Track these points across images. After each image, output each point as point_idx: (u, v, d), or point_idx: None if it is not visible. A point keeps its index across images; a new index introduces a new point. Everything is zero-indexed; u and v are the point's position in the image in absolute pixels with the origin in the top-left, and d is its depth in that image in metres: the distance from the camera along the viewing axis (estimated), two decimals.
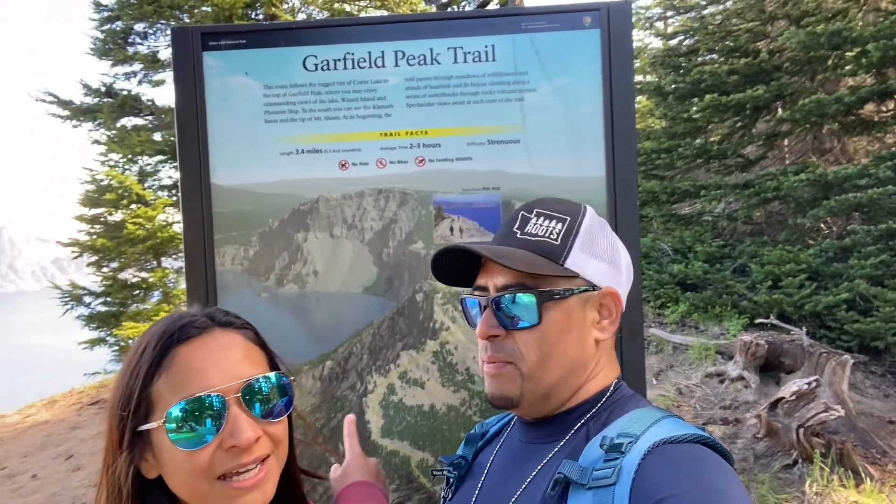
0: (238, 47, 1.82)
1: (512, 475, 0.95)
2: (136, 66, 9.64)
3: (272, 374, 0.89)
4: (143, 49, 9.61)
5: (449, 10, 11.78)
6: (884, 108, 7.63)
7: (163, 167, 9.58)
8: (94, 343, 8.80)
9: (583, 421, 0.92)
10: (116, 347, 8.47)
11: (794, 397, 3.90)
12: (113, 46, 9.05)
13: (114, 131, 9.09)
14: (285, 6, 9.84)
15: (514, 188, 1.75)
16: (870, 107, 7.48)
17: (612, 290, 0.94)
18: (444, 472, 1.11)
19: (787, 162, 8.46)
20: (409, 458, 1.78)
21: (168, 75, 9.83)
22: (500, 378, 0.94)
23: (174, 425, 0.80)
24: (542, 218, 0.95)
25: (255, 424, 0.84)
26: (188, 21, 8.88)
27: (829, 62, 7.05)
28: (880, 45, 5.94)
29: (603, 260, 0.94)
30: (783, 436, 3.90)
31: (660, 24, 13.59)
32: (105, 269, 8.84)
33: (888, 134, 7.72)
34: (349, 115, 1.78)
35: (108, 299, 8.73)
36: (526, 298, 0.91)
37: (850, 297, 5.61)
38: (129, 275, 8.84)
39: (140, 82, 9.90)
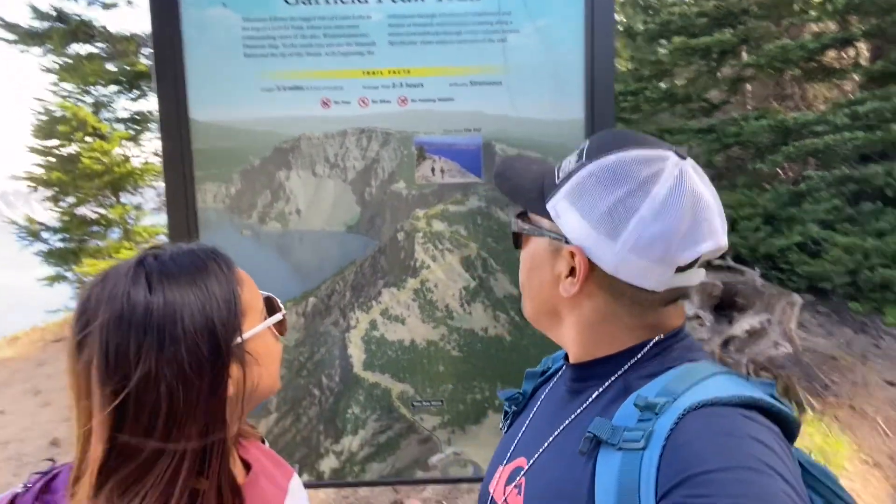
0: None
1: (551, 417, 0.92)
2: None
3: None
4: None
5: None
6: (844, 56, 7.76)
7: (118, 98, 9.19)
8: (53, 280, 8.62)
9: (623, 370, 0.84)
10: (77, 284, 8.32)
11: (745, 335, 4.12)
12: None
13: (65, 59, 8.65)
14: None
15: (495, 129, 1.78)
16: (831, 54, 7.59)
17: (578, 251, 0.81)
18: (504, 407, 1.11)
19: (749, 107, 8.59)
20: (390, 389, 1.85)
21: None
22: None
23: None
24: (577, 150, 0.86)
25: None
26: None
27: (795, 7, 7.10)
28: None
29: (587, 217, 0.80)
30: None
31: None
32: (62, 205, 8.58)
33: (846, 81, 7.89)
34: (331, 52, 1.77)
35: (67, 235, 8.52)
36: (513, 222, 0.93)
37: (803, 241, 5.84)
38: (88, 210, 8.60)
39: (90, 3, 9.36)
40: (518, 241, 0.93)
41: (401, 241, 1.82)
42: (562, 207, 0.83)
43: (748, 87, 8.68)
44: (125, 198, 9.03)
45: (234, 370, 0.83)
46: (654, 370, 0.81)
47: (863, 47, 7.62)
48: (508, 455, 0.97)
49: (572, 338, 0.89)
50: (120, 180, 8.35)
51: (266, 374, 0.91)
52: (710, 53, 7.63)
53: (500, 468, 0.98)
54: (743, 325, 4.20)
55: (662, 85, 8.42)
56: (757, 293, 4.52)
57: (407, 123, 1.79)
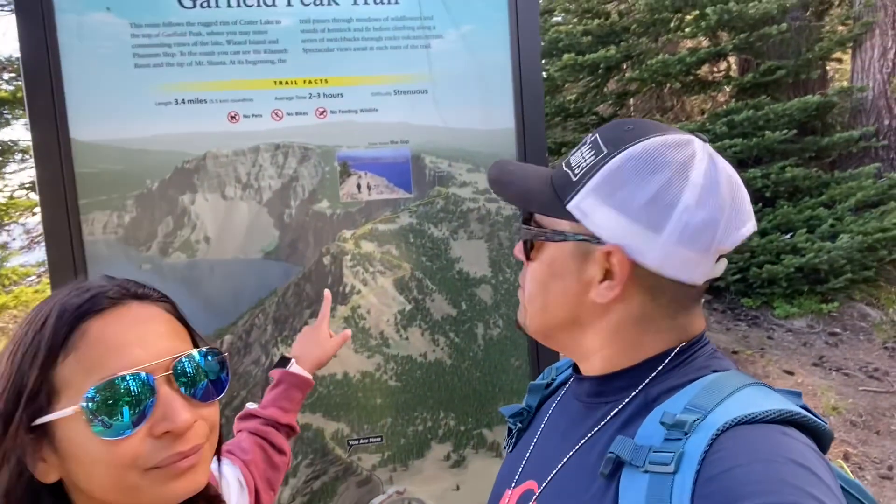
0: None
1: (563, 435, 0.84)
2: None
3: (204, 349, 0.76)
4: None
5: None
6: (716, 69, 8.34)
7: None
8: None
9: (642, 385, 0.77)
10: None
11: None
12: None
13: None
14: None
15: (424, 141, 1.67)
16: (705, 68, 8.14)
17: (617, 250, 0.73)
18: (508, 424, 1.02)
19: None
20: (323, 430, 1.68)
21: None
22: (522, 305, 0.88)
23: (93, 412, 0.66)
24: (589, 145, 0.78)
25: (189, 406, 0.71)
26: None
27: (672, 24, 7.55)
28: (717, 9, 6.43)
29: (622, 211, 0.72)
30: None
31: None
32: None
33: (720, 93, 8.47)
34: (237, 60, 1.60)
35: None
36: (523, 230, 0.83)
37: None
38: None
39: None
40: (528, 252, 0.83)
41: (327, 265, 1.66)
42: (588, 206, 0.74)
43: (632, 101, 9.14)
44: None
45: (49, 456, 0.68)
46: (677, 382, 0.74)
47: (732, 61, 8.22)
48: (516, 478, 0.88)
49: (595, 348, 0.80)
50: None
51: (89, 476, 0.69)
52: (596, 70, 7.95)
53: (508, 492, 0.88)
54: None
55: (554, 101, 8.69)
56: None
57: (327, 137, 1.64)
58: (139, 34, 1.55)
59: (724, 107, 7.52)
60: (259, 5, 1.59)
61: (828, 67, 8.15)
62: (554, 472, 0.80)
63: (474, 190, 1.70)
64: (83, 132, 1.55)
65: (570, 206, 0.75)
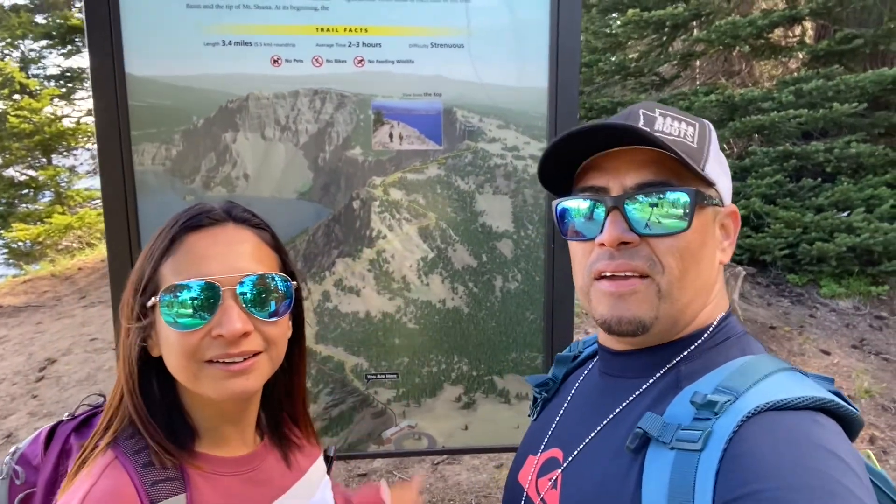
0: None
1: (591, 410, 0.85)
2: None
3: (274, 274, 0.87)
4: None
5: None
6: (791, 34, 7.93)
7: (49, 54, 8.64)
8: None
9: (675, 361, 0.79)
10: (6, 250, 7.87)
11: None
12: None
13: None
14: None
15: (457, 95, 1.71)
16: (778, 32, 7.74)
17: (736, 210, 0.83)
18: (533, 393, 1.05)
19: (698, 83, 8.72)
20: (344, 363, 1.79)
21: None
22: (635, 297, 0.77)
23: (168, 305, 0.81)
24: (668, 118, 0.80)
25: (247, 319, 0.83)
26: None
27: None
28: None
29: (727, 176, 0.83)
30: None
31: None
32: None
33: (792, 59, 8.07)
34: (282, 6, 1.65)
35: None
36: (677, 198, 0.75)
37: (746, 214, 6.00)
38: (16, 172, 8.11)
39: None
40: (691, 220, 0.76)
41: (356, 209, 1.74)
42: (713, 171, 0.80)
43: (698, 62, 8.79)
44: (57, 160, 8.56)
45: (154, 336, 0.86)
46: (708, 361, 0.76)
47: (808, 26, 7.80)
48: (542, 447, 0.91)
49: (693, 314, 0.80)
50: (51, 141, 7.89)
51: (167, 357, 0.85)
52: (662, 27, 7.67)
53: (533, 458, 0.92)
54: None
55: (615, 58, 8.45)
56: None
57: (364, 86, 1.69)
58: None
59: (795, 74, 7.19)
60: None
61: None
62: (582, 445, 0.82)
63: (503, 146, 1.74)
64: (137, 67, 1.64)
65: (707, 171, 0.78)
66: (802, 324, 4.89)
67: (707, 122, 0.84)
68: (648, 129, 0.76)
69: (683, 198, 0.75)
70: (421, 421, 1.83)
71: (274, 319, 0.87)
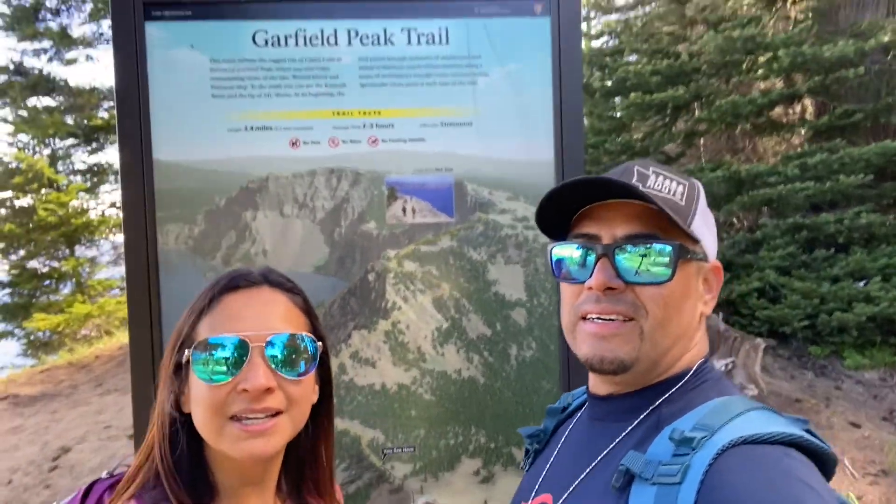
0: (183, 18, 1.76)
1: (580, 455, 0.89)
2: (46, 43, 9.07)
3: (303, 335, 0.91)
4: (53, 25, 9.04)
5: None
6: (791, 111, 8.15)
7: (76, 151, 9.06)
8: (0, 336, 8.25)
9: (656, 404, 0.84)
10: (25, 341, 7.96)
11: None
12: (22, 20, 8.46)
13: (23, 111, 8.52)
14: None
15: (467, 170, 1.78)
16: (779, 109, 7.97)
17: (719, 266, 0.89)
18: (525, 444, 1.08)
19: (704, 160, 8.90)
20: (360, 437, 1.78)
21: (81, 52, 9.30)
22: (617, 338, 0.82)
23: (200, 358, 0.86)
24: (660, 177, 0.86)
25: (272, 376, 0.86)
26: None
27: (744, 66, 7.46)
28: (790, 52, 6.34)
29: (712, 233, 0.89)
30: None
31: (584, 26, 14.00)
32: (12, 258, 8.28)
33: (794, 135, 8.26)
34: (301, 93, 1.76)
35: (16, 290, 8.20)
36: (662, 249, 0.81)
37: (761, 286, 5.98)
38: (39, 264, 8.32)
39: (50, 59, 9.32)
40: (674, 271, 0.82)
41: (371, 281, 1.79)
42: (699, 227, 0.86)
43: (702, 140, 9.01)
44: (80, 251, 8.79)
45: (186, 391, 0.90)
46: (687, 402, 0.81)
47: (808, 103, 8.02)
48: (533, 492, 0.94)
49: (674, 359, 0.86)
50: (75, 232, 8.14)
51: (195, 411, 0.88)
52: (664, 109, 7.93)
53: None
54: None
55: (621, 139, 8.68)
56: (720, 337, 4.57)
57: (378, 163, 1.78)
58: (217, 68, 1.74)
59: (798, 149, 7.34)
60: (323, 45, 1.76)
61: None
62: (571, 487, 0.86)
63: (513, 217, 1.80)
64: (164, 153, 1.74)
65: (693, 228, 0.85)
66: (828, 396, 4.76)
67: (697, 181, 0.90)
68: (640, 186, 0.83)
69: (668, 250, 0.81)
70: (439, 497, 1.80)
71: (298, 378, 0.90)
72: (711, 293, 0.89)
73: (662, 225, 0.82)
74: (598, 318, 0.84)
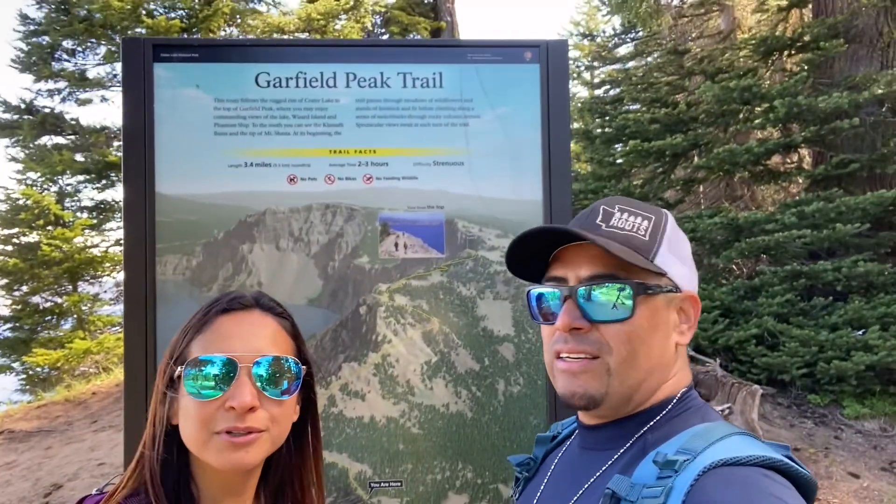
0: (190, 60, 1.85)
1: (569, 482, 0.92)
2: (61, 84, 9.32)
3: (288, 357, 0.96)
4: (69, 66, 9.31)
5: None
6: (788, 160, 8.28)
7: (84, 188, 9.21)
8: None
9: (642, 431, 0.87)
10: (24, 376, 7.94)
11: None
12: (38, 61, 8.72)
13: (33, 149, 8.70)
14: (222, 33, 9.79)
15: (458, 208, 1.84)
16: (776, 158, 8.09)
17: (694, 295, 0.91)
18: (515, 473, 1.10)
19: (703, 206, 9.00)
20: (347, 470, 1.79)
21: (95, 94, 9.55)
22: (585, 375, 0.86)
23: (191, 374, 0.91)
24: (626, 214, 0.90)
25: (257, 395, 0.91)
26: (118, 41, 8.69)
27: (741, 115, 7.61)
28: (785, 102, 6.48)
29: (684, 263, 0.91)
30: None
31: (587, 75, 14.33)
32: (16, 294, 8.34)
33: (792, 184, 8.36)
34: (299, 132, 1.84)
35: (17, 325, 8.22)
36: (619, 290, 0.85)
37: (759, 333, 5.97)
38: (42, 299, 8.37)
39: (64, 100, 9.56)
40: (633, 309, 0.85)
41: (363, 314, 1.82)
42: (666, 260, 0.88)
43: (701, 188, 9.12)
44: (83, 287, 8.84)
45: (177, 406, 0.94)
46: (671, 429, 0.84)
47: (805, 153, 8.15)
48: None
49: (650, 390, 0.88)
50: (79, 268, 8.20)
51: (184, 424, 0.92)
52: (663, 156, 8.06)
53: None
54: None
55: (621, 185, 8.79)
56: (718, 383, 4.55)
57: (372, 200, 1.84)
58: (220, 107, 1.82)
59: (796, 197, 7.43)
60: (322, 86, 1.84)
61: None
62: None
63: (502, 253, 1.84)
64: (167, 187, 1.81)
65: (657, 261, 0.87)
66: (828, 446, 4.71)
67: (666, 212, 0.94)
68: (603, 225, 0.89)
69: (626, 290, 0.85)
70: None
71: (280, 399, 0.94)
72: (689, 322, 0.91)
73: (623, 264, 0.85)
74: (568, 357, 0.88)
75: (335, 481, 1.79)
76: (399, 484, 1.80)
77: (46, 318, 8.41)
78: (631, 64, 11.74)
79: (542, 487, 0.98)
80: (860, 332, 5.66)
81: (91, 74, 9.43)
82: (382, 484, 1.80)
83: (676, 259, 0.90)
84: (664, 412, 0.87)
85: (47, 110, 9.16)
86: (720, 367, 5.03)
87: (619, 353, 0.85)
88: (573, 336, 0.87)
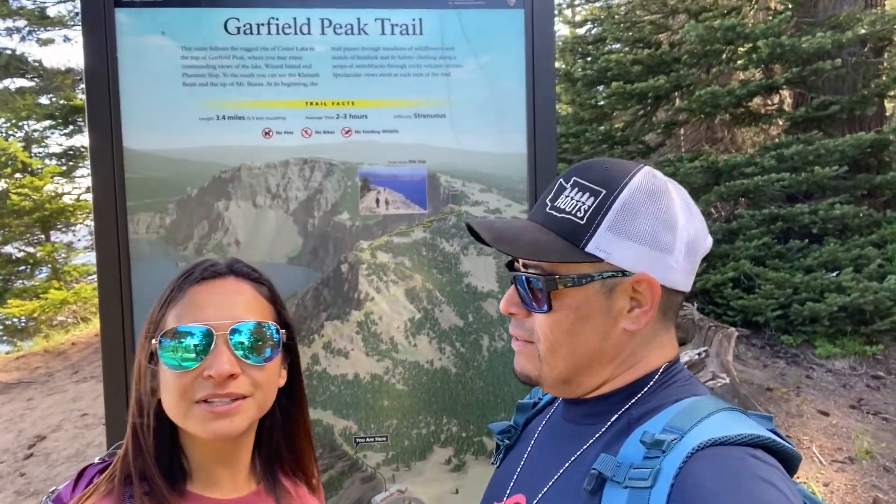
0: (154, 5, 1.74)
1: (553, 454, 0.90)
2: (21, 23, 8.88)
3: (267, 323, 0.94)
4: (28, 4, 8.85)
5: None
6: (769, 102, 8.23)
7: (52, 133, 8.90)
8: None
9: (626, 406, 0.84)
10: (1, 326, 7.85)
11: (685, 366, 4.21)
12: None
13: None
14: None
15: (440, 162, 1.79)
16: (757, 100, 8.04)
17: (646, 277, 0.80)
18: (496, 440, 1.08)
19: (683, 150, 8.97)
20: (333, 426, 1.79)
21: (57, 33, 9.12)
22: (522, 356, 0.89)
23: (168, 346, 0.89)
24: (576, 189, 0.83)
25: (236, 363, 0.89)
26: None
27: (724, 56, 7.50)
28: (769, 42, 6.39)
29: (640, 241, 0.80)
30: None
31: (568, 12, 13.98)
32: None
33: (772, 126, 8.34)
34: (273, 82, 1.75)
35: None
36: (537, 283, 0.82)
37: (736, 276, 6.06)
38: (14, 249, 8.19)
39: (24, 38, 9.13)
40: (549, 304, 0.83)
41: (344, 272, 1.79)
42: (607, 243, 0.80)
43: (682, 130, 9.08)
44: (56, 236, 8.66)
45: (157, 375, 0.92)
46: (657, 404, 0.82)
47: (786, 95, 8.11)
48: (507, 491, 0.94)
49: (607, 375, 0.86)
50: (50, 217, 8.01)
51: (164, 397, 0.91)
52: (645, 98, 7.97)
53: None
54: (683, 357, 4.30)
55: (602, 128, 8.72)
56: (695, 327, 4.63)
57: (351, 154, 1.78)
58: (188, 56, 1.73)
59: (776, 140, 7.43)
60: (296, 33, 1.75)
61: (886, 104, 7.93)
62: (545, 489, 0.86)
63: (486, 209, 1.81)
64: (134, 141, 1.73)
65: (590, 248, 0.80)
66: (799, 385, 4.86)
67: (634, 174, 0.82)
68: (549, 205, 0.85)
69: (538, 284, 0.83)
70: (411, 485, 1.82)
71: (262, 364, 0.92)
72: (642, 307, 0.82)
73: (538, 259, 0.83)
74: (513, 337, 0.91)
75: (320, 437, 1.79)
76: (384, 438, 1.81)
77: (20, 269, 8.26)
78: (615, 1, 11.43)
79: (524, 458, 0.97)
80: (834, 274, 5.77)
81: (52, 13, 8.98)
82: (368, 439, 1.80)
83: (623, 238, 0.80)
84: (647, 387, 0.85)
85: (8, 52, 8.75)
86: (697, 311, 5.12)
87: (545, 342, 0.85)
88: (514, 319, 0.90)
